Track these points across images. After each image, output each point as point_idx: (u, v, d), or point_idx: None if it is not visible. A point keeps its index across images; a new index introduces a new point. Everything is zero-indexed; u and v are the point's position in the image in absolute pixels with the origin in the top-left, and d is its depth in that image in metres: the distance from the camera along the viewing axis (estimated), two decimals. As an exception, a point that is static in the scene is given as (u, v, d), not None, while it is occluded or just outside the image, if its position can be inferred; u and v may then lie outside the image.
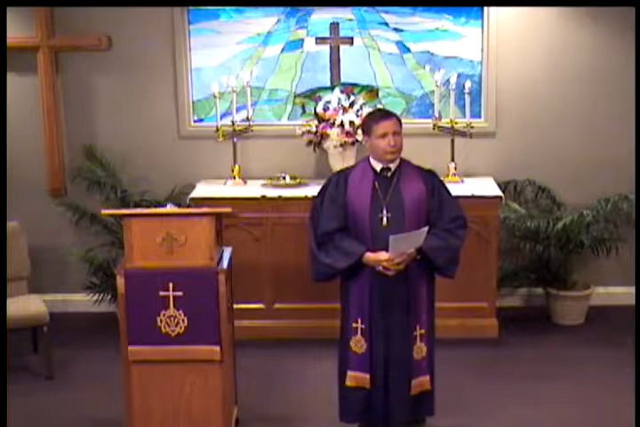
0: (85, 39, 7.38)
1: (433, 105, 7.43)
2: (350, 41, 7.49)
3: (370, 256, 5.16)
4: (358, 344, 5.32)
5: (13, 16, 7.34)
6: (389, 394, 5.32)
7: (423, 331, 5.32)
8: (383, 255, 5.12)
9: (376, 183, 5.22)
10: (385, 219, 5.19)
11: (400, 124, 5.22)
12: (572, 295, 7.37)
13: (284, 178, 7.34)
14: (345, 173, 5.35)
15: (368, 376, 5.32)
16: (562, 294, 7.37)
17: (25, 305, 6.62)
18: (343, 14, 7.46)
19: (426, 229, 5.11)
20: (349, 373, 5.37)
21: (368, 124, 5.27)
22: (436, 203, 5.25)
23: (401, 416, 5.34)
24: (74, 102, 7.56)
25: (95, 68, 7.51)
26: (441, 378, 5.73)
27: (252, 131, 7.41)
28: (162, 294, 5.09)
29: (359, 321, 5.30)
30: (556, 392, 6.16)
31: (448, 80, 7.30)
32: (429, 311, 5.36)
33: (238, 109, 7.34)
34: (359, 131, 7.01)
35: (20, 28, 7.38)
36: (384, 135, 5.16)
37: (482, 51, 7.45)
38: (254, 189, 7.22)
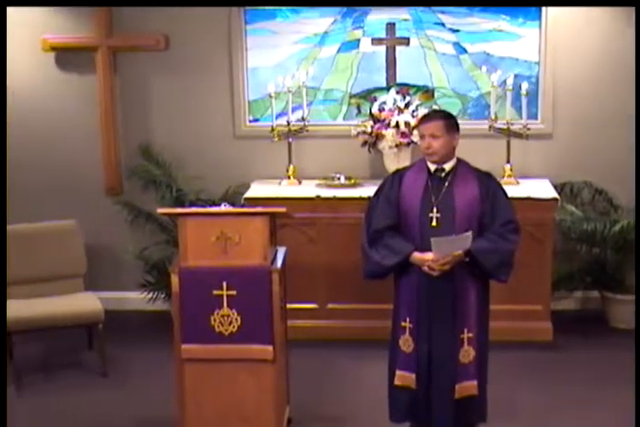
0: (143, 39, 7.44)
1: (489, 106, 7.38)
2: (406, 41, 7.46)
3: (416, 256, 5.16)
4: (406, 343, 5.31)
5: (72, 16, 7.41)
6: (432, 396, 5.30)
7: (471, 334, 5.27)
8: (429, 255, 5.12)
9: (429, 183, 5.22)
10: (435, 219, 5.17)
11: (443, 127, 5.14)
12: (629, 299, 7.28)
13: (339, 178, 7.33)
14: (401, 172, 5.37)
15: (414, 376, 5.30)
16: (618, 297, 7.29)
17: (81, 303, 6.68)
18: (399, 15, 7.43)
19: (470, 233, 5.08)
20: (398, 372, 5.35)
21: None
22: (490, 206, 5.21)
23: (443, 420, 5.29)
24: (131, 102, 7.62)
25: (152, 68, 7.57)
26: (494, 382, 5.68)
27: (307, 131, 7.42)
28: (215, 292, 5.12)
29: (408, 320, 5.29)
30: (612, 398, 6.09)
31: (505, 81, 7.25)
32: (480, 315, 5.30)
33: (294, 109, 7.35)
34: (415, 131, 7.04)
35: (78, 28, 7.45)
36: (422, 137, 5.21)
37: (539, 51, 7.39)
38: (309, 189, 7.23)
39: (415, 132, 7.03)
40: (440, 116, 5.28)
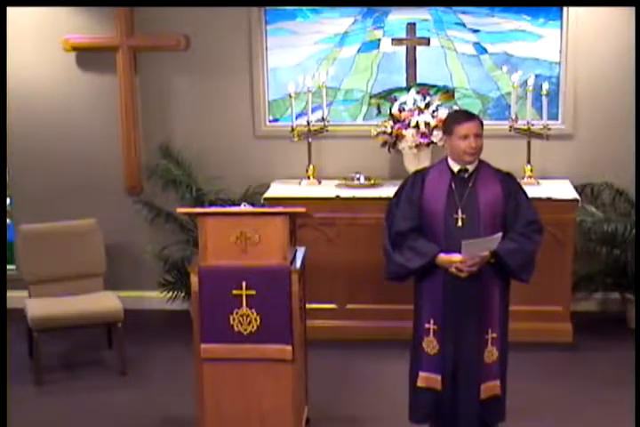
0: (164, 39, 7.45)
1: (509, 106, 7.36)
2: (427, 41, 7.45)
3: (442, 257, 5.13)
4: (430, 345, 5.29)
5: (93, 16, 7.44)
6: (458, 397, 5.28)
7: (495, 335, 5.26)
8: (456, 257, 5.10)
9: (452, 184, 5.19)
10: (459, 220, 5.15)
11: (481, 126, 5.16)
12: (649, 300, 7.26)
13: (359, 178, 7.33)
14: (422, 173, 5.33)
15: (439, 378, 5.28)
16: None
17: (100, 302, 6.70)
18: (420, 15, 7.42)
19: (500, 234, 5.06)
20: (421, 373, 5.34)
21: (450, 124, 5.20)
22: (512, 206, 5.19)
23: (468, 420, 5.29)
24: (151, 102, 7.64)
25: (173, 68, 7.58)
26: (513, 382, 5.66)
27: (327, 131, 7.41)
28: (235, 292, 5.12)
29: (432, 322, 5.27)
30: (631, 398, 6.05)
31: (525, 81, 7.23)
32: (502, 315, 5.30)
33: (314, 110, 7.35)
34: (435, 132, 7.02)
35: (99, 28, 7.47)
36: (465, 137, 5.10)
37: (560, 52, 7.37)
38: (328, 190, 7.23)
39: (435, 132, 7.03)
40: (476, 115, 5.25)
